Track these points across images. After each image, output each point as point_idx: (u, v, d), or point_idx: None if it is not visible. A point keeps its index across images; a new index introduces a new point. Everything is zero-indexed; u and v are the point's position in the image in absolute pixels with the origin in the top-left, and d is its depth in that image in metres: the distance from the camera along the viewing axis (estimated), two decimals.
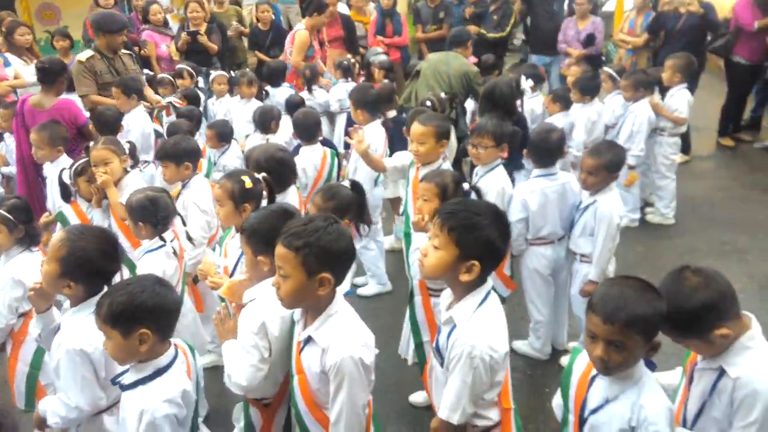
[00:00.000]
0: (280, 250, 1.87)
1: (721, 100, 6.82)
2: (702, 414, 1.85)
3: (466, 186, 2.76)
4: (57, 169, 3.85)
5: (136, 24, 8.06)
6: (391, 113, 4.79)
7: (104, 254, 2.23)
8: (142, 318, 1.90)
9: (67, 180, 3.61)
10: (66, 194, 3.67)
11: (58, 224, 3.63)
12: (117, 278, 3.47)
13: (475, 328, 1.86)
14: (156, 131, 4.99)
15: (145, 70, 6.34)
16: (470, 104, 5.27)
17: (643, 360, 1.77)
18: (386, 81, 5.57)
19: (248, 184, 2.69)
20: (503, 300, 3.25)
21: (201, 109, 5.70)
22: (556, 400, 2.05)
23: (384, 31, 7.48)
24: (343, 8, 7.75)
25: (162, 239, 2.89)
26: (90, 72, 4.97)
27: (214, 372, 3.12)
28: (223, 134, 4.76)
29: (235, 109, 5.80)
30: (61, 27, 7.32)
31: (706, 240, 4.82)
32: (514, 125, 3.93)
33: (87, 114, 4.69)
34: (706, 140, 6.92)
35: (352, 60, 6.31)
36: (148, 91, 5.27)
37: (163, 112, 5.55)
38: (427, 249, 1.92)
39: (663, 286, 1.82)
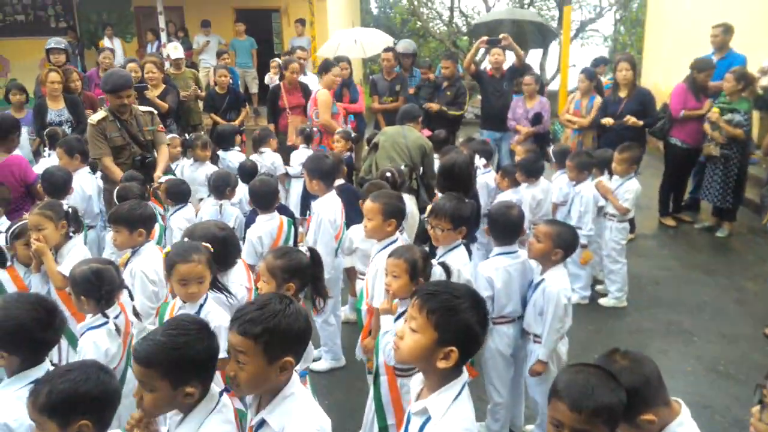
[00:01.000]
0: (235, 338, 1.76)
1: (660, 181, 7.17)
2: None
3: (434, 262, 2.74)
4: None
5: (95, 81, 7.97)
6: (340, 182, 4.73)
7: (40, 324, 2.13)
8: (85, 409, 1.77)
9: (2, 244, 3.41)
10: (1, 259, 3.46)
11: None
12: (55, 350, 3.34)
13: (451, 425, 1.77)
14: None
15: None
16: None
17: None
18: (337, 151, 5.64)
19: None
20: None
21: None
22: None
23: (341, 98, 7.61)
24: (305, 78, 7.89)
25: (105, 315, 2.73)
26: (101, 134, 4.79)
27: None
28: (179, 193, 4.62)
29: (188, 171, 5.72)
30: (14, 80, 7.09)
31: (653, 320, 4.92)
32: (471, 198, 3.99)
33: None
34: (648, 219, 7.22)
35: (314, 127, 6.39)
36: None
37: None
38: (403, 331, 1.82)
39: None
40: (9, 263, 3.41)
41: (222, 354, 2.01)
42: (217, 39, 12.55)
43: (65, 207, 3.31)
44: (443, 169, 4.07)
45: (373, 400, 2.95)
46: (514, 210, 3.39)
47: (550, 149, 6.56)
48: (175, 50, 8.29)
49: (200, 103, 8.10)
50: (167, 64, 8.20)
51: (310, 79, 8.10)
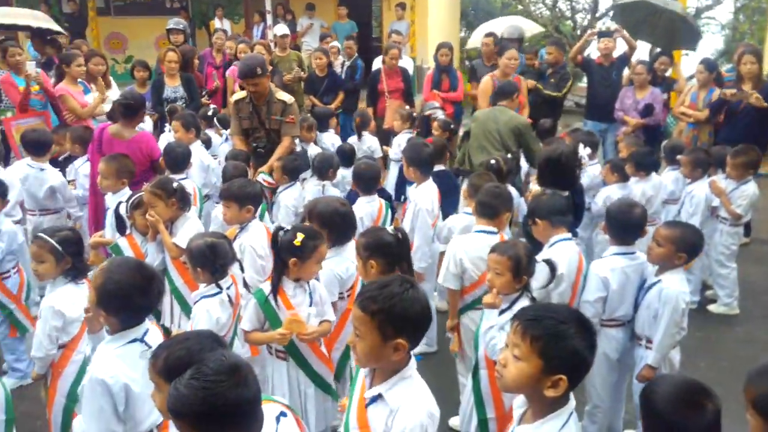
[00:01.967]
0: (356, 311, 1.88)
1: None
2: None
3: (539, 259, 2.68)
4: (116, 200, 3.90)
5: (208, 60, 8.30)
6: (439, 167, 4.69)
7: (138, 290, 2.23)
8: None
9: (123, 213, 3.65)
10: (122, 227, 3.71)
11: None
12: (168, 314, 3.57)
13: None
14: None
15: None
16: (523, 164, 5.21)
17: None
18: (440, 138, 5.59)
19: (297, 242, 2.71)
20: None
21: None
22: None
23: (440, 85, 7.55)
24: (404, 62, 7.88)
25: (218, 286, 2.88)
26: (236, 113, 5.06)
27: None
28: (294, 170, 4.77)
29: None
30: (131, 57, 7.54)
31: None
32: (572, 193, 3.85)
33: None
34: (766, 223, 6.70)
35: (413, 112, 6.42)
36: None
37: None
38: (506, 359, 1.72)
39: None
40: (128, 231, 3.64)
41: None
42: (319, 22, 12.77)
43: (174, 185, 3.47)
44: (548, 159, 3.94)
45: (472, 392, 2.94)
46: (636, 209, 3.24)
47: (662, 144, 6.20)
48: (281, 30, 8.48)
49: (303, 85, 8.26)
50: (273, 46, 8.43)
51: (407, 63, 8.09)
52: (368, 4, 15.43)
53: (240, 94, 5.11)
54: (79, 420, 2.29)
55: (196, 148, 5.04)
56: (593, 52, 8.16)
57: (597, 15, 15.37)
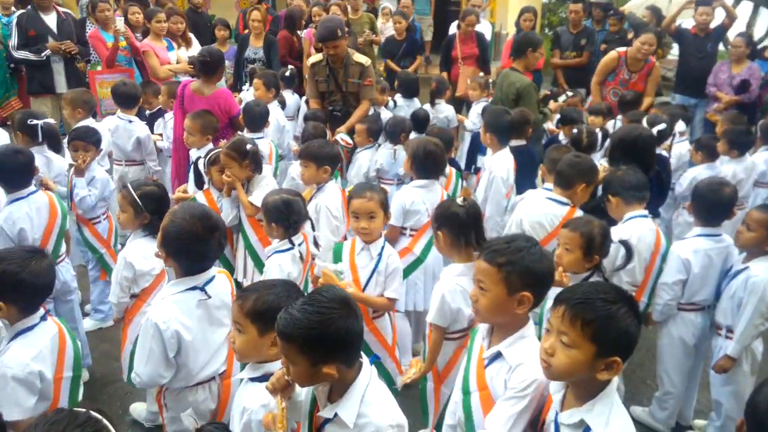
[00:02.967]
0: (481, 264, 1.91)
1: None
2: None
3: (614, 239, 2.57)
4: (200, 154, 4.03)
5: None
6: (518, 142, 4.44)
7: (196, 237, 2.21)
8: None
9: (201, 168, 3.76)
10: (200, 182, 3.83)
11: None
12: (241, 269, 3.69)
13: None
14: None
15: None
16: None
17: None
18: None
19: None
20: None
21: None
22: None
23: None
24: (482, 27, 7.65)
25: (291, 242, 2.94)
26: (312, 77, 5.10)
27: None
28: (378, 131, 4.77)
29: None
30: (214, 16, 7.66)
31: None
32: (657, 171, 3.64)
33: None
34: None
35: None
36: None
37: None
38: (553, 347, 1.62)
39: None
40: (206, 186, 3.75)
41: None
42: None
43: (247, 147, 3.52)
44: (623, 137, 3.64)
45: None
46: (726, 188, 3.06)
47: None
48: None
49: (375, 49, 8.16)
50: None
51: (485, 28, 7.85)
52: None
53: (316, 57, 5.11)
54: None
55: (273, 108, 5.10)
56: (686, 21, 7.64)
57: None
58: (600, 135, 4.32)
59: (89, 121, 4.49)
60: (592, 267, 2.60)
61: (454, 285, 2.51)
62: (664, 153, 4.31)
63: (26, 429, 1.43)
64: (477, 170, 5.02)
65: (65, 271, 3.42)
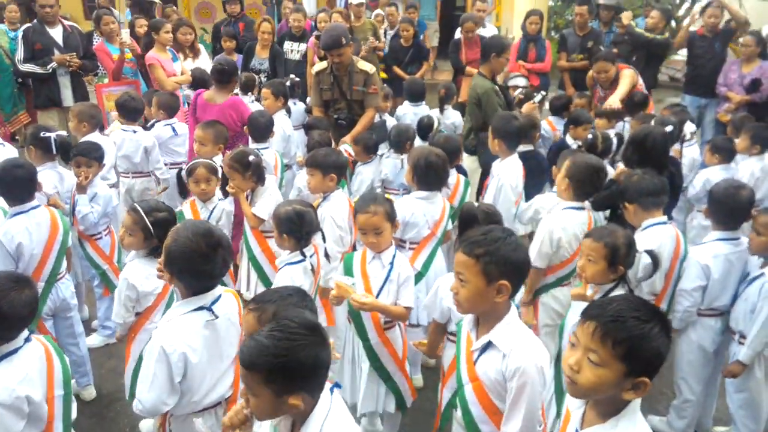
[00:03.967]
0: (460, 257, 1.95)
1: None
2: None
3: (640, 249, 2.51)
4: None
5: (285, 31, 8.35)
6: (526, 147, 4.41)
7: (202, 256, 2.14)
8: None
9: (185, 179, 3.75)
10: (183, 191, 3.83)
11: None
12: (245, 281, 3.65)
13: None
14: None
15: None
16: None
17: None
18: (530, 114, 5.35)
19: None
20: None
21: None
22: None
23: (526, 56, 7.26)
24: (484, 31, 7.61)
25: (302, 254, 2.90)
26: (317, 85, 5.07)
27: None
28: (372, 146, 4.70)
29: None
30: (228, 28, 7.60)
31: None
32: (670, 174, 3.58)
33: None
34: None
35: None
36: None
37: None
38: (579, 364, 1.55)
39: None
40: (192, 197, 3.73)
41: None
42: None
43: (250, 158, 3.51)
44: (635, 139, 3.64)
45: (554, 382, 2.84)
46: (744, 190, 3.01)
47: None
48: None
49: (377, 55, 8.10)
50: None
51: (491, 32, 7.80)
52: None
53: (321, 65, 5.08)
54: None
55: (280, 117, 5.07)
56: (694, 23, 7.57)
57: None
58: (615, 139, 4.26)
59: (95, 135, 4.48)
60: (617, 278, 2.52)
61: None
62: (675, 155, 4.24)
63: None
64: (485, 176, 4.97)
65: (65, 288, 3.39)
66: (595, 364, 1.53)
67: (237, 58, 6.73)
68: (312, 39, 7.13)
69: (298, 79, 6.17)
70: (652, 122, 4.23)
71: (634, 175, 3.12)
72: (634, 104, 5.26)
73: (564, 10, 16.42)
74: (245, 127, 4.60)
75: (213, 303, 2.22)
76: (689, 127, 4.32)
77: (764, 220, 2.85)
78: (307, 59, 6.96)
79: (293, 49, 6.98)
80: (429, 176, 3.39)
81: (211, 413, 2.27)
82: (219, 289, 2.28)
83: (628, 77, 5.32)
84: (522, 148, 4.21)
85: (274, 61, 6.63)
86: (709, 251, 2.96)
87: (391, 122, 5.52)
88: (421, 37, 8.50)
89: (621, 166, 3.85)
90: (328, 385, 1.66)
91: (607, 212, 3.59)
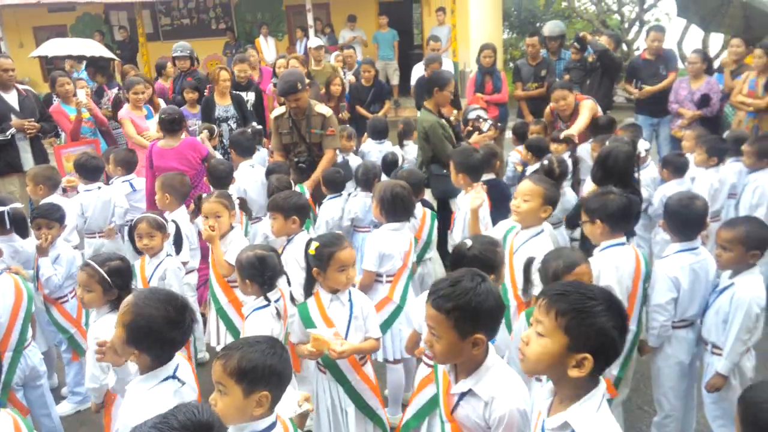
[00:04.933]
0: (429, 310, 1.88)
1: None
2: None
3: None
4: (172, 218, 4.02)
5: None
6: (488, 176, 4.50)
7: (170, 323, 2.06)
8: (268, 381, 1.83)
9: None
10: (135, 247, 3.71)
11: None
12: (214, 333, 3.57)
13: None
14: None
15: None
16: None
17: None
18: (489, 143, 5.45)
19: (311, 250, 2.75)
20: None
21: None
22: None
23: (483, 88, 7.44)
24: (445, 65, 7.78)
25: (267, 299, 2.87)
26: (276, 129, 5.12)
27: None
28: (335, 182, 4.70)
29: None
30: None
31: None
32: (632, 191, 3.66)
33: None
34: None
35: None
36: None
37: None
38: (529, 336, 1.66)
39: None
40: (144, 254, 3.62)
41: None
42: (360, 33, 12.85)
43: (235, 198, 3.53)
44: (600, 158, 3.77)
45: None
46: (697, 201, 3.08)
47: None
48: (315, 42, 8.53)
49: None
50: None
51: (448, 67, 7.96)
52: (409, 11, 15.44)
53: (279, 110, 5.16)
54: None
55: (243, 169, 5.04)
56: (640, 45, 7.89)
57: (645, 6, 14.80)
58: (570, 162, 4.35)
59: (54, 197, 4.42)
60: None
61: None
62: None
63: None
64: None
65: (33, 356, 3.29)
66: (540, 335, 1.62)
67: (198, 108, 6.70)
68: (270, 86, 7.21)
69: (260, 126, 6.20)
70: (607, 142, 4.34)
71: (611, 194, 3.05)
72: (599, 127, 5.37)
73: (517, 42, 16.94)
74: (205, 159, 4.70)
75: (176, 370, 2.12)
76: (643, 145, 4.42)
77: (727, 235, 2.86)
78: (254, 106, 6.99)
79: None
80: (396, 207, 3.44)
81: None
82: (176, 357, 2.17)
83: (588, 109, 5.42)
84: (485, 177, 4.27)
85: (240, 106, 6.56)
86: (675, 263, 2.99)
87: (354, 161, 5.57)
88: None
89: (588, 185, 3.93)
90: None
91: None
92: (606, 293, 1.66)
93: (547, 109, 5.96)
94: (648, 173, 4.80)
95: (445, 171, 4.84)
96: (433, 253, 4.20)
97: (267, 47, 12.90)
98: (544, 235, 3.16)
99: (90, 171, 4.81)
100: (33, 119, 5.85)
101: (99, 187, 4.81)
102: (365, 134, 6.55)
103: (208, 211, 3.56)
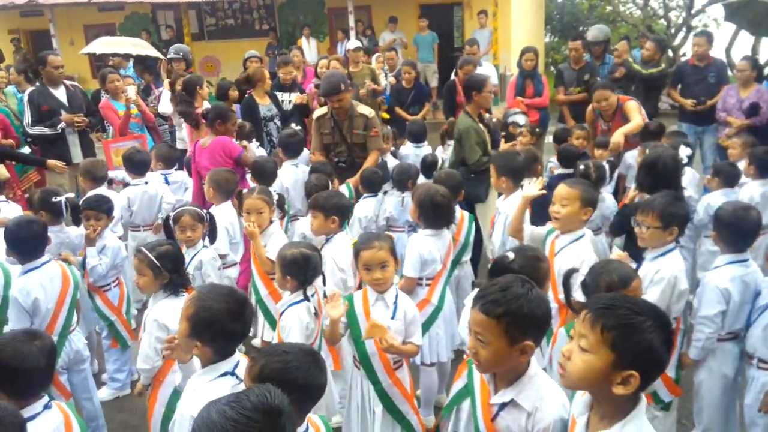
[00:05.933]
0: (477, 316, 1.81)
1: None
2: None
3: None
4: (219, 212, 4.10)
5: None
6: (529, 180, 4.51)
7: (232, 315, 2.12)
8: (290, 392, 1.77)
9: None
10: (170, 238, 3.74)
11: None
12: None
13: None
14: None
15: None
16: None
17: None
18: (530, 147, 5.40)
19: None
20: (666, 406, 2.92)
21: None
22: None
23: (524, 92, 7.36)
24: (486, 69, 7.73)
25: (305, 295, 2.90)
26: (317, 130, 5.18)
27: None
28: (370, 182, 4.77)
29: None
30: (224, 79, 7.77)
31: None
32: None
33: None
34: None
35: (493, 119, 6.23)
36: None
37: None
38: (570, 351, 1.59)
39: None
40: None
41: None
42: (400, 35, 12.88)
43: (274, 194, 3.60)
44: (646, 163, 3.70)
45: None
46: (752, 212, 3.01)
47: None
48: (353, 44, 8.56)
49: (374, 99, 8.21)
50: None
51: (489, 71, 7.90)
52: (450, 14, 15.41)
53: (321, 111, 5.20)
54: None
55: (287, 166, 5.11)
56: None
57: (693, 12, 14.43)
58: (607, 167, 4.28)
59: (102, 190, 4.56)
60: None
61: None
62: None
63: None
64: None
65: (77, 340, 3.40)
66: (584, 351, 1.56)
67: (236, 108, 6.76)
68: (311, 86, 7.26)
69: (299, 127, 6.24)
70: (647, 150, 4.26)
71: (666, 196, 2.97)
72: (649, 132, 5.28)
73: (560, 45, 16.72)
74: (236, 160, 4.77)
75: (236, 367, 2.17)
76: (684, 151, 4.32)
77: None
78: (296, 107, 7.02)
79: (284, 99, 7.09)
80: (437, 216, 3.46)
81: None
82: (238, 354, 2.24)
83: (637, 111, 5.33)
84: (525, 182, 4.23)
85: (278, 105, 6.60)
86: (725, 275, 2.91)
87: (392, 162, 5.58)
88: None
89: (632, 190, 3.87)
90: None
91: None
92: (654, 307, 1.61)
93: (589, 108, 5.89)
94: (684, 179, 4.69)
95: (472, 175, 4.86)
96: (469, 256, 4.19)
97: (309, 48, 13.05)
98: (585, 240, 3.13)
99: (137, 165, 4.95)
100: (81, 114, 6.06)
101: (146, 182, 4.93)
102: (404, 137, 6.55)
103: (251, 207, 3.63)
